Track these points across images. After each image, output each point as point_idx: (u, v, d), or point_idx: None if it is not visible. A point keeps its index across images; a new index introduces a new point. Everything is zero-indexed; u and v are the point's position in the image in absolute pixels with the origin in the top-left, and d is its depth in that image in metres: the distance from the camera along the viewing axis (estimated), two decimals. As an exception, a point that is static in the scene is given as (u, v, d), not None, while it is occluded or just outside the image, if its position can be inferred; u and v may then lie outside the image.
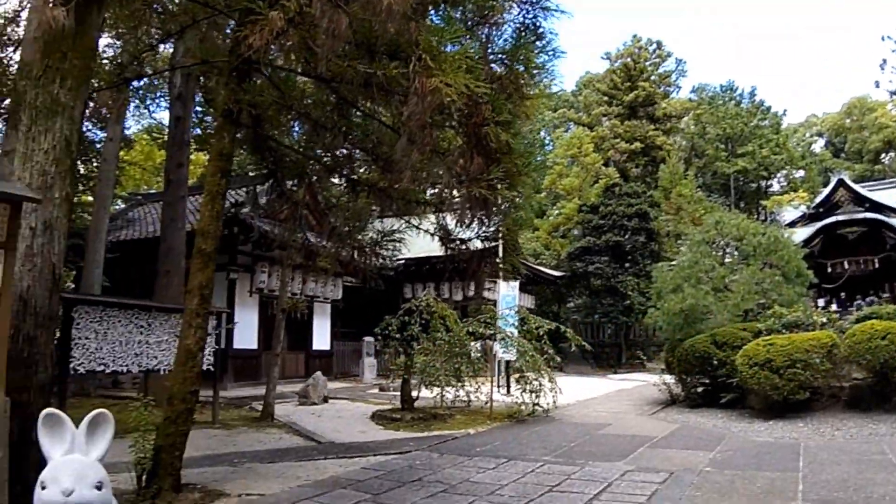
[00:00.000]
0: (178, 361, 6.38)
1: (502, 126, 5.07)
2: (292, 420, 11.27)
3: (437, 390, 12.30)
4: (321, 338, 21.61)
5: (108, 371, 9.08)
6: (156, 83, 19.08)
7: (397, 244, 8.17)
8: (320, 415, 12.22)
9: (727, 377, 11.86)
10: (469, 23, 6.48)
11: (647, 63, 48.63)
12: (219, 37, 7.93)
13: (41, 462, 4.72)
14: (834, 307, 21.26)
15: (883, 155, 52.48)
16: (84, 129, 12.64)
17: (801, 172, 51.11)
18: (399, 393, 12.88)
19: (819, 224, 26.16)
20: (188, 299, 6.40)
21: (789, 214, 33.52)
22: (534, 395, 11.80)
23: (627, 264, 29.95)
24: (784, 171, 51.42)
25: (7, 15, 18.58)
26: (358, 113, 7.33)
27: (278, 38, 4.99)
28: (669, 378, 14.16)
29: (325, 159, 8.04)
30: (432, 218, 8.07)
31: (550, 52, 6.36)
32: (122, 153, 20.92)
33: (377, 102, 6.47)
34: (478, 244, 7.64)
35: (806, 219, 29.95)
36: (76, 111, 5.35)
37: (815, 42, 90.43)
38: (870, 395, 10.71)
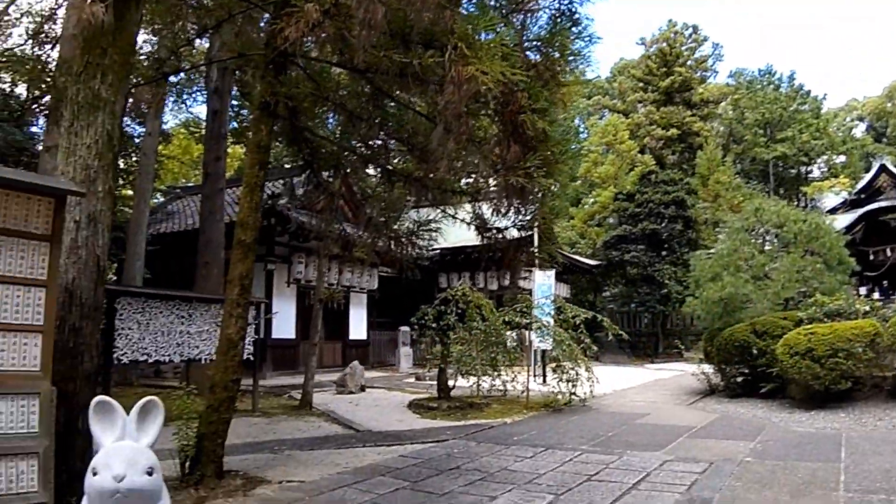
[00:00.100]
0: (220, 351, 6.49)
1: (539, 114, 5.03)
2: (330, 408, 11.40)
3: (473, 379, 12.32)
4: (357, 327, 21.81)
5: (150, 361, 9.27)
6: (192, 78, 19.33)
7: (433, 234, 8.17)
8: (358, 403, 12.34)
9: (767, 367, 11.68)
10: (504, 10, 6.44)
11: (683, 48, 47.82)
12: (254, 31, 7.99)
13: (86, 450, 4.85)
14: (876, 295, 20.81)
15: (927, 139, 51.05)
16: (123, 124, 12.86)
17: (842, 158, 49.84)
18: (435, 382, 12.93)
19: (861, 210, 25.59)
20: (229, 289, 6.50)
21: (830, 201, 32.84)
22: (570, 384, 11.75)
23: (664, 252, 29.59)
24: (824, 157, 50.19)
25: (44, 13, 19.00)
26: (392, 103, 7.35)
27: (314, 30, 4.99)
28: (708, 368, 14.00)
29: (361, 150, 8.07)
30: (468, 207, 8.06)
31: (586, 39, 6.29)
32: (160, 147, 21.21)
33: (412, 92, 6.47)
34: (514, 233, 7.62)
35: (847, 205, 29.30)
36: (117, 106, 5.40)
37: (842, 31, 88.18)
38: (913, 385, 10.48)
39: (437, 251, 17.80)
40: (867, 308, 12.38)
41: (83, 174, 5.08)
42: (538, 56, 6.23)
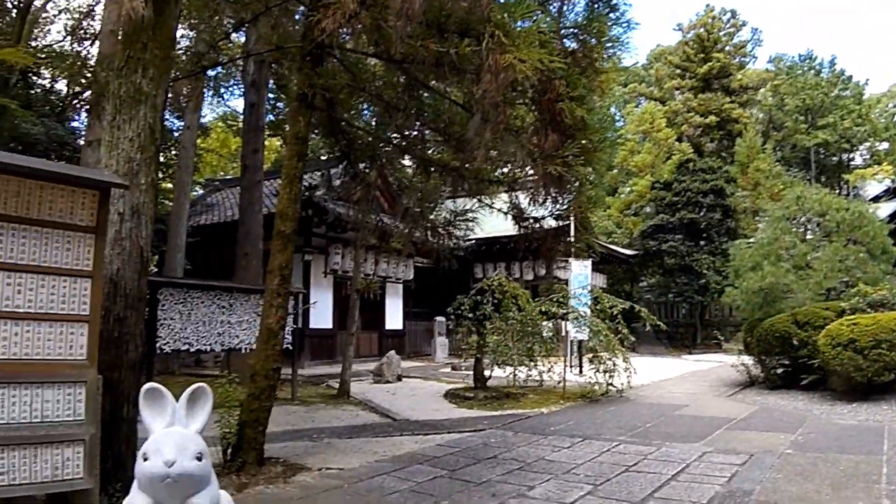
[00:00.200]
0: (261, 340, 6.58)
1: (577, 101, 4.98)
2: (368, 397, 11.50)
3: (509, 370, 12.33)
4: (393, 318, 21.92)
5: (192, 350, 9.44)
6: (229, 72, 19.57)
7: (470, 224, 8.18)
8: (395, 393, 12.42)
9: (808, 358, 11.48)
10: (540, -3, 6.39)
11: (721, 33, 46.78)
12: (290, 23, 8.06)
13: (130, 438, 4.97)
14: (921, 285, 20.24)
15: (972, 125, 49.30)
16: (163, 118, 13.06)
17: (885, 145, 48.32)
18: (471, 372, 12.95)
19: (904, 199, 24.90)
20: (269, 280, 6.58)
21: (873, 189, 31.99)
22: (607, 374, 11.69)
23: (702, 242, 29.16)
24: (867, 144, 48.71)
25: (82, 10, 19.37)
26: (428, 93, 7.34)
27: (350, 21, 5.01)
28: (747, 359, 13.81)
29: (397, 140, 8.09)
30: (504, 197, 8.05)
31: (624, 24, 6.21)
32: (199, 141, 21.56)
33: (449, 82, 6.45)
34: (551, 223, 7.59)
35: (891, 193, 28.50)
36: (158, 99, 5.46)
37: (882, 15, 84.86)
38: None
39: (473, 241, 17.80)
40: (911, 298, 12.10)
41: (126, 167, 5.14)
42: (575, 43, 6.18)
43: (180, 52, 9.44)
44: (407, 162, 8.77)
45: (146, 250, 5.35)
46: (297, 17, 7.97)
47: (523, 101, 5.79)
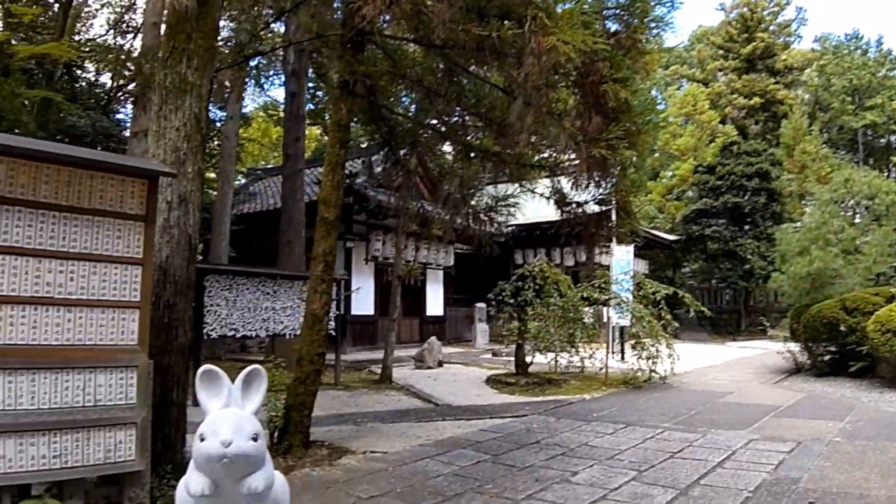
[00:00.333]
0: (306, 325, 6.67)
1: (620, 83, 4.90)
2: (409, 383, 11.58)
3: (550, 356, 12.30)
4: (434, 304, 22.01)
5: (238, 336, 9.59)
6: (269, 61, 19.72)
7: (511, 209, 8.14)
8: (436, 378, 12.49)
9: (857, 345, 11.28)
10: (582, -22, 6.29)
11: (765, 12, 45.52)
12: (329, 12, 8.09)
13: (180, 421, 5.09)
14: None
15: None
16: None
17: (934, 125, 46.82)
18: (511, 358, 12.96)
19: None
20: (313, 266, 6.65)
21: (923, 170, 31.00)
22: (650, 361, 11.58)
23: (747, 227, 28.63)
24: (916, 124, 47.26)
25: (124, 3, 19.70)
26: (468, 79, 7.31)
27: (390, 7, 5.01)
28: (794, 346, 13.60)
29: (438, 126, 8.08)
30: (545, 182, 7.99)
31: (668, 4, 6.09)
32: (240, 131, 21.81)
33: (490, 66, 6.41)
34: (594, 207, 7.52)
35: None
36: (203, 89, 5.51)
37: None
38: None
39: (513, 227, 17.74)
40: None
41: (173, 156, 5.21)
42: (618, 24, 6.08)
43: (221, 43, 9.57)
44: (447, 148, 8.76)
45: (194, 238, 5.43)
46: (336, 5, 7.99)
47: (565, 83, 5.73)
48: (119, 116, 19.84)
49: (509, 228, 16.40)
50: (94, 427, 3.92)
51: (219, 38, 7.32)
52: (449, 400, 9.91)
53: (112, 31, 20.17)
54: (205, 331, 8.91)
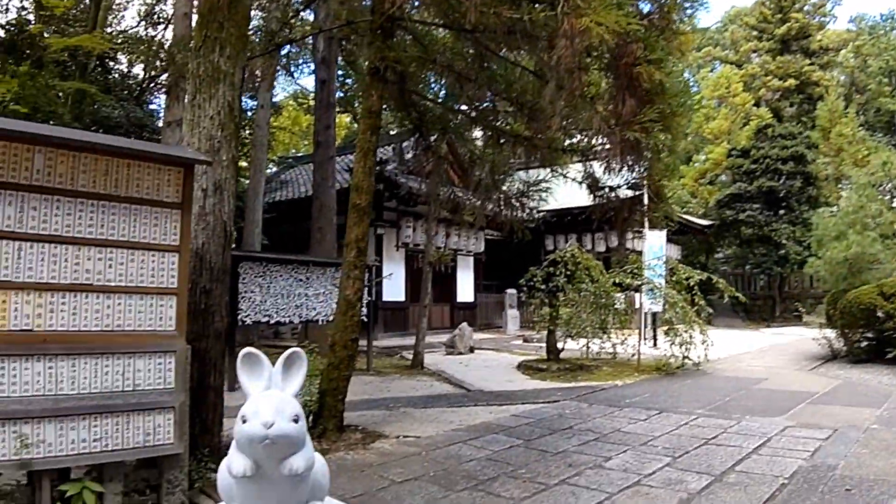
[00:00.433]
0: (339, 311, 6.72)
1: (654, 65, 4.84)
2: (441, 369, 11.63)
3: (582, 342, 12.26)
4: (465, 290, 22.05)
5: (271, 322, 9.70)
6: (299, 50, 19.82)
7: (543, 194, 8.10)
8: (467, 364, 12.52)
9: (894, 331, 11.04)
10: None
11: (799, -8, 44.62)
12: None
13: (217, 404, 5.17)
14: None
15: None
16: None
17: (974, 106, 45.41)
18: (542, 344, 12.94)
19: None
20: (346, 252, 6.69)
21: (961, 153, 30.14)
22: (683, 347, 11.47)
23: (782, 211, 28.16)
24: (955, 106, 45.88)
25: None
26: (495, 65, 7.26)
27: (421, -8, 5.00)
28: (830, 332, 13.38)
29: (468, 111, 8.06)
30: (576, 167, 7.93)
31: (701, -18, 6.00)
32: (271, 119, 21.96)
33: (521, 49, 6.36)
34: (627, 192, 7.45)
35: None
36: (236, 77, 5.54)
37: None
38: None
39: (544, 213, 17.67)
40: None
41: (208, 144, 5.25)
42: (651, 4, 6.00)
43: (252, 31, 9.62)
44: (477, 133, 8.73)
45: (229, 225, 5.48)
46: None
47: (598, 66, 5.67)
48: (152, 107, 20.14)
49: (540, 214, 16.31)
50: (134, 411, 3.98)
51: (249, 26, 7.38)
52: (481, 385, 9.93)
53: (143, 23, 20.41)
54: (239, 317, 9.02)
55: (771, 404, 8.24)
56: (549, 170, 8.01)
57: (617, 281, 12.42)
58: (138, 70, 20.10)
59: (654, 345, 13.94)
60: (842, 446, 5.95)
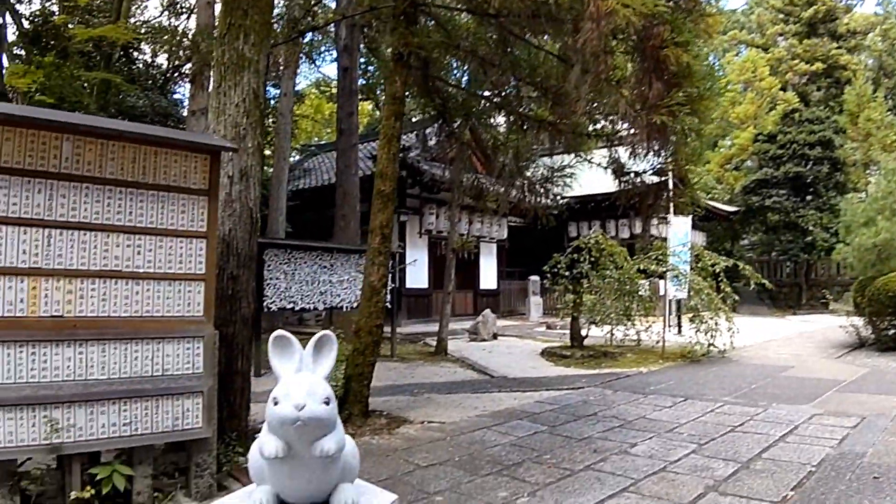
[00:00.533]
0: (364, 297, 6.76)
1: (682, 47, 4.77)
2: (464, 355, 11.65)
3: (606, 329, 12.21)
4: (488, 277, 22.04)
5: (296, 308, 9.79)
6: (322, 37, 19.84)
7: (567, 180, 8.06)
8: (491, 351, 12.53)
9: (924, 319, 10.89)
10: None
11: (826, -27, 43.70)
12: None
13: (244, 389, 5.22)
14: None
15: None
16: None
17: None
18: (566, 331, 12.91)
19: None
20: (370, 238, 6.72)
21: None
22: (708, 334, 11.38)
23: (809, 197, 27.72)
24: (985, 89, 44.80)
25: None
26: (519, 50, 7.21)
27: (445, -24, 4.97)
28: (857, 320, 13.21)
29: (492, 97, 8.02)
30: (601, 152, 7.87)
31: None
32: (294, 107, 22.02)
33: (545, 33, 6.31)
34: (653, 178, 7.38)
35: None
36: (260, 65, 5.55)
37: None
38: None
39: (568, 199, 17.58)
40: None
41: (233, 132, 5.28)
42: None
43: (275, 19, 9.64)
44: (501, 119, 8.69)
45: (255, 211, 5.51)
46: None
47: (624, 49, 5.61)
48: (176, 96, 20.31)
49: (564, 200, 16.25)
50: (163, 396, 4.03)
51: (273, 14, 7.38)
52: (504, 372, 9.94)
53: (166, 13, 20.55)
54: (264, 304, 9.10)
55: (798, 392, 8.17)
56: (573, 155, 7.96)
57: (641, 267, 12.34)
58: (162, 59, 20.28)
59: (679, 332, 13.84)
60: (869, 434, 5.89)
